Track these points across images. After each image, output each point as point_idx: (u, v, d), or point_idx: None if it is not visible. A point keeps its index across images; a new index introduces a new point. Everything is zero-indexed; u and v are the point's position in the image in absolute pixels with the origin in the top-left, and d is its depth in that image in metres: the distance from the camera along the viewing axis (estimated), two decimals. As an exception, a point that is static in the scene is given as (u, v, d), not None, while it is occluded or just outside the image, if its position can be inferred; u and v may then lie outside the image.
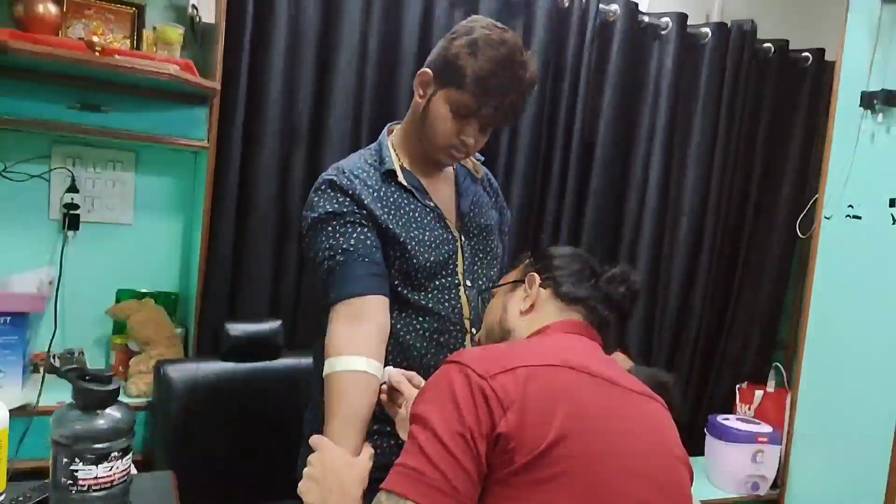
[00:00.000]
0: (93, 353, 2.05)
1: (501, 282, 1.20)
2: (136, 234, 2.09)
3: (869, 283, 2.13)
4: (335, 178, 1.26)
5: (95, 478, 1.01)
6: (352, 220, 1.23)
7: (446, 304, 1.29)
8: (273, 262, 2.08)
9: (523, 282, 1.13)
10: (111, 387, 1.05)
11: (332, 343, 1.18)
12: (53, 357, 1.94)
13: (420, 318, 1.27)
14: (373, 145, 1.35)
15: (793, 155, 2.68)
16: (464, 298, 1.30)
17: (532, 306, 1.10)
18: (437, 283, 1.28)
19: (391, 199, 1.27)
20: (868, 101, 2.12)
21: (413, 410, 0.90)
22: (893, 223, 2.07)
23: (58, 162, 1.96)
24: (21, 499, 1.13)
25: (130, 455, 1.07)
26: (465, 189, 1.39)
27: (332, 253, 1.21)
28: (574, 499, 0.82)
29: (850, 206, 2.20)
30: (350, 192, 1.24)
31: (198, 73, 1.84)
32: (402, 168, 1.30)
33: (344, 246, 1.21)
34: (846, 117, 2.21)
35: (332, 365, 1.15)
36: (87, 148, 1.99)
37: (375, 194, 1.26)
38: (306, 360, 1.99)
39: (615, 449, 0.87)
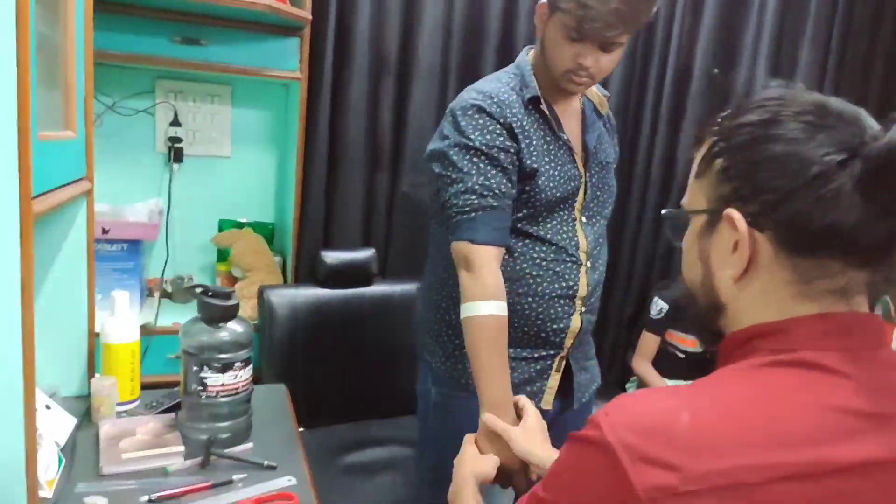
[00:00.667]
0: (200, 280, 2.17)
1: (685, 205, 0.70)
2: (233, 166, 2.17)
3: None
4: (483, 104, 1.21)
5: (223, 384, 1.09)
6: (505, 158, 1.20)
7: (563, 235, 1.29)
8: (365, 193, 2.13)
9: (719, 214, 0.64)
10: (232, 302, 1.12)
11: (485, 284, 1.15)
12: (166, 282, 2.07)
13: (538, 248, 1.27)
14: (509, 68, 1.32)
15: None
16: (580, 232, 1.30)
17: (747, 267, 0.63)
18: (556, 215, 1.28)
19: (531, 130, 1.24)
20: None
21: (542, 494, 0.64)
22: None
23: (161, 96, 2.04)
24: (154, 404, 1.24)
25: (251, 366, 1.15)
26: (592, 124, 1.36)
27: (484, 192, 1.17)
28: None
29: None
30: (501, 120, 1.21)
31: (289, 3, 1.86)
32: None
33: (496, 190, 1.18)
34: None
35: (482, 308, 1.14)
36: (187, 83, 2.06)
37: (519, 123, 1.23)
38: (399, 287, 2.06)
39: None
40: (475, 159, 1.18)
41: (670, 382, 2.35)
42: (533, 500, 0.65)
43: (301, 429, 1.29)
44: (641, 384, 2.39)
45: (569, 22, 1.16)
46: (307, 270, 2.07)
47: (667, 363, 2.38)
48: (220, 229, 2.15)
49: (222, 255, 2.14)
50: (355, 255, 2.02)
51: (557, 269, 1.27)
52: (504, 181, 1.19)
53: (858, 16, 2.42)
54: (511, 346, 1.19)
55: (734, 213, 0.61)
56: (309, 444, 1.38)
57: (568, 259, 1.28)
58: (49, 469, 0.92)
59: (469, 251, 1.16)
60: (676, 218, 0.71)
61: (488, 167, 1.18)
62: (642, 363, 2.38)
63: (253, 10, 1.74)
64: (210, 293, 1.11)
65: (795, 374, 0.58)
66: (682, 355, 2.37)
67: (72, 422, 1.07)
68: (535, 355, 1.30)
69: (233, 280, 2.11)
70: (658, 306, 2.34)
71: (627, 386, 2.52)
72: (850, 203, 0.57)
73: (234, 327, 1.11)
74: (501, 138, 1.20)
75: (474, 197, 1.17)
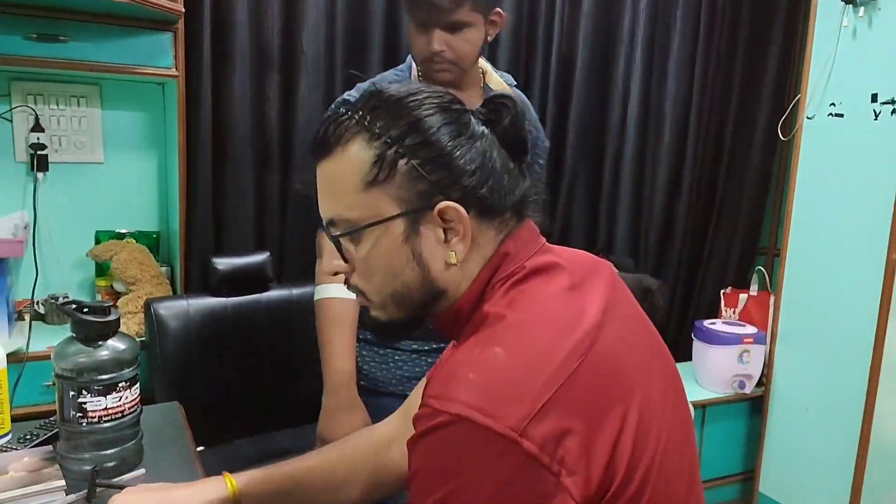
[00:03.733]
0: (77, 298, 2.00)
1: (359, 219, 0.71)
2: (108, 172, 2.01)
3: (851, 180, 2.14)
4: None
5: (105, 409, 1.00)
6: None
7: None
8: (255, 194, 2.03)
9: (427, 211, 0.69)
10: (111, 317, 1.02)
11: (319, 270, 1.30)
12: (37, 303, 1.89)
13: None
14: (401, 67, 1.33)
15: (773, 58, 2.66)
16: None
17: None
18: None
19: None
20: (849, -6, 2.09)
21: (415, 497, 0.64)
22: (876, 119, 2.08)
23: (18, 99, 1.86)
24: (28, 437, 1.12)
25: (138, 385, 1.05)
26: None
27: None
28: None
29: (833, 104, 2.20)
30: None
31: (159, -5, 1.74)
32: None
33: None
34: (827, 13, 2.18)
35: (329, 290, 1.29)
36: (48, 83, 1.89)
37: None
38: (296, 291, 1.99)
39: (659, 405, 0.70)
40: None
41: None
42: None
43: (200, 448, 1.21)
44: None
45: (409, 11, 1.21)
46: (198, 279, 1.96)
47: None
48: (98, 242, 1.99)
49: (101, 270, 1.98)
50: (249, 260, 1.93)
51: None
52: None
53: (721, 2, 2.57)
54: (411, 339, 1.21)
55: (449, 204, 0.68)
56: (209, 462, 1.30)
57: None
58: None
59: (319, 238, 1.26)
60: (357, 232, 0.71)
61: None
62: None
63: (116, 2, 1.61)
64: (85, 309, 1.01)
65: (535, 280, 0.70)
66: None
67: (-73, 467, 0.94)
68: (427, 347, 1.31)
69: (115, 295, 1.96)
70: None
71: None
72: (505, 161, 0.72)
73: (115, 344, 1.02)
74: None
75: None
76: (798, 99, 2.34)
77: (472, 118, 0.73)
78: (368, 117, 0.69)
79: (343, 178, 0.70)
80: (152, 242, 2.05)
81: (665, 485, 0.67)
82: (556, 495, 0.58)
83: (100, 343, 1.01)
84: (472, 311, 0.72)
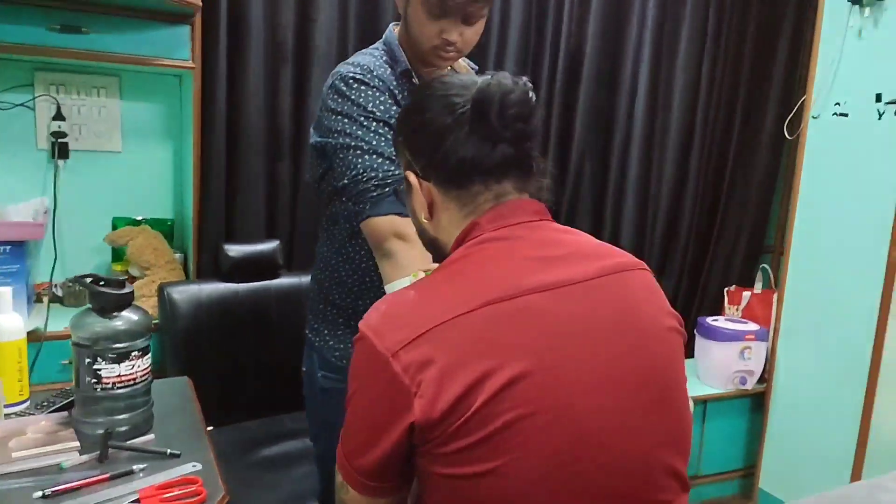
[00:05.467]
0: (94, 282, 2.06)
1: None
2: (125, 161, 2.07)
3: (854, 180, 2.16)
4: (364, 78, 1.18)
5: (118, 375, 1.05)
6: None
7: None
8: (266, 184, 2.09)
9: (406, 178, 0.90)
10: (125, 290, 1.08)
11: (425, 254, 1.09)
12: (55, 286, 1.96)
13: None
14: (377, 45, 1.30)
15: (780, 57, 2.68)
16: None
17: (432, 208, 0.88)
18: None
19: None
20: (856, -5, 2.11)
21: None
22: (880, 118, 2.10)
23: (41, 89, 1.93)
24: (45, 403, 1.17)
25: (150, 355, 1.11)
26: None
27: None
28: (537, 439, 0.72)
29: (838, 104, 2.22)
30: (386, 92, 1.19)
31: (177, -11, 1.80)
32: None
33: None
34: (834, 13, 2.20)
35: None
36: (70, 74, 1.96)
37: (401, 95, 1.22)
38: (306, 278, 2.03)
39: (575, 375, 0.75)
40: (381, 130, 1.17)
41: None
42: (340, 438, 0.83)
43: (210, 427, 1.26)
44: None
45: (440, 3, 1.16)
46: (210, 266, 2.02)
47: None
48: (114, 228, 2.05)
49: (118, 255, 2.05)
50: (259, 248, 1.98)
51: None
52: None
53: None
54: None
55: (409, 175, 0.88)
56: (219, 441, 1.35)
57: None
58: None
59: (400, 224, 1.12)
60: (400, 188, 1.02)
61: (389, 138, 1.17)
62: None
63: (137, -5, 1.68)
64: (101, 282, 1.07)
65: (488, 245, 0.82)
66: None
67: (-48, 426, 1.00)
68: None
69: (131, 280, 2.02)
70: None
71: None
72: (466, 143, 0.82)
73: (129, 315, 1.07)
74: (395, 108, 1.19)
75: (393, 167, 1.14)
76: (804, 99, 2.36)
77: (456, 108, 0.84)
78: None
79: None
80: (166, 229, 2.12)
81: (545, 445, 0.72)
82: (408, 410, 0.72)
83: (115, 314, 1.06)
84: None
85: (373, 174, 1.15)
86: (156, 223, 2.09)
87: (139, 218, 2.08)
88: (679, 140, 2.58)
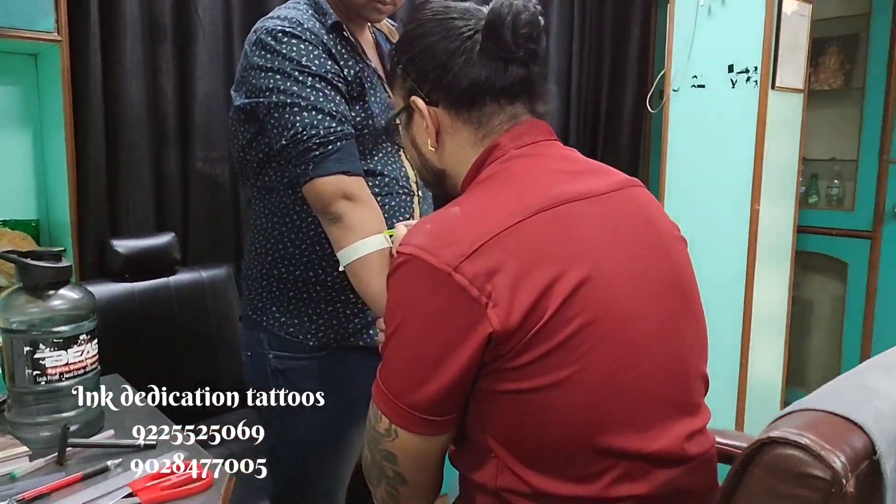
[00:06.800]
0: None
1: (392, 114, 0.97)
2: (-27, 155, 1.77)
3: (715, 143, 2.40)
4: (294, 31, 1.10)
5: (66, 364, 0.89)
6: (339, 83, 1.11)
7: (392, 167, 1.25)
8: (152, 174, 1.88)
9: (410, 106, 0.87)
10: (63, 264, 0.92)
11: (376, 215, 1.09)
12: None
13: (371, 182, 1.21)
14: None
15: (634, 42, 2.92)
16: (406, 163, 1.28)
17: (438, 136, 0.86)
18: (381, 147, 1.24)
19: (343, 57, 1.17)
20: (703, -23, 2.35)
21: (384, 326, 0.80)
22: (733, 87, 2.35)
23: None
24: (-43, 416, 0.97)
25: (97, 340, 0.95)
26: (387, 53, 1.34)
27: (341, 118, 1.09)
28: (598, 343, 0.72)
29: (695, 76, 2.45)
30: (319, 46, 1.11)
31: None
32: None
33: (347, 116, 1.10)
34: (685, -6, 2.45)
35: (367, 246, 1.05)
36: None
37: (334, 49, 1.15)
38: (207, 273, 1.88)
39: (618, 277, 0.76)
40: (318, 84, 1.09)
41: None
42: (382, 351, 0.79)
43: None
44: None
45: None
46: (96, 266, 1.78)
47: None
48: (-35, 234, 1.75)
49: (-27, 264, 1.74)
50: (153, 242, 1.79)
51: (393, 202, 1.22)
52: (347, 108, 1.12)
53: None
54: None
55: (416, 100, 0.85)
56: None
57: (401, 190, 1.24)
58: None
59: (347, 184, 1.06)
60: (389, 123, 1.07)
61: (331, 92, 1.10)
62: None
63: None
64: (27, 256, 0.90)
65: (515, 162, 0.82)
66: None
67: None
68: None
69: (-6, 291, 1.73)
70: None
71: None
72: (478, 63, 0.81)
73: (68, 294, 0.92)
74: (330, 63, 1.12)
75: (335, 124, 1.08)
76: (663, 73, 2.59)
77: (463, 31, 0.83)
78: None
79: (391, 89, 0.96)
80: (31, 231, 1.83)
81: (607, 352, 0.73)
82: (481, 322, 0.70)
83: (51, 292, 0.90)
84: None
85: (313, 132, 1.07)
86: (17, 224, 1.81)
87: (-4, 220, 1.79)
88: (555, 117, 2.73)
